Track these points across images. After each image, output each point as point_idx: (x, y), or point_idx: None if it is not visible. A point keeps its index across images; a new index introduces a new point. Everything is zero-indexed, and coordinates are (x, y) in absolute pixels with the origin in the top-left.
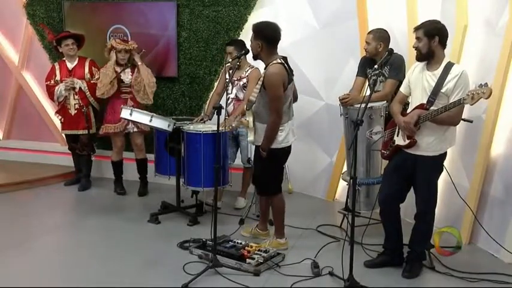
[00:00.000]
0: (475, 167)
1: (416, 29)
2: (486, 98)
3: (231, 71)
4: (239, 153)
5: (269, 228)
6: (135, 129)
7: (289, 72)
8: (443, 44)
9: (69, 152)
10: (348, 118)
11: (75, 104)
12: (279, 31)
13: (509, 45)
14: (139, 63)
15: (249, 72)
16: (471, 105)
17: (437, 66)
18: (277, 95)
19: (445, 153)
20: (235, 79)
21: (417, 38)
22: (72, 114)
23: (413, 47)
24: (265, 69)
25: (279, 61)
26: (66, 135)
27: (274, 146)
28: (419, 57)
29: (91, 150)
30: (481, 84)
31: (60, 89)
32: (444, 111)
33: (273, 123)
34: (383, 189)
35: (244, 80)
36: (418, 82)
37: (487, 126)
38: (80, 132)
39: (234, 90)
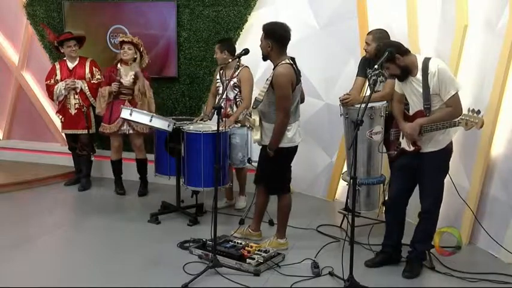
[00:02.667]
0: (475, 167)
1: (386, 61)
2: (479, 128)
3: (221, 71)
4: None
5: (261, 229)
6: (131, 131)
7: (297, 73)
8: (405, 53)
9: (69, 152)
10: (348, 118)
11: (75, 104)
12: (289, 31)
13: (509, 45)
14: (137, 70)
15: (238, 71)
16: (466, 130)
17: (416, 70)
18: (285, 95)
19: (451, 148)
20: (226, 79)
21: (387, 68)
22: (73, 113)
23: (392, 76)
24: (273, 69)
25: (288, 61)
26: (66, 134)
27: (281, 145)
28: (400, 78)
29: (91, 150)
30: (473, 110)
31: (59, 88)
32: (443, 127)
33: (281, 122)
34: (393, 188)
35: (235, 80)
36: (406, 87)
37: (487, 127)
38: (80, 132)
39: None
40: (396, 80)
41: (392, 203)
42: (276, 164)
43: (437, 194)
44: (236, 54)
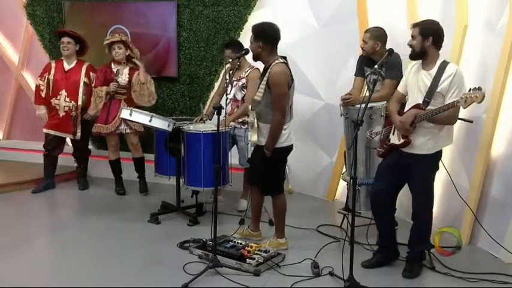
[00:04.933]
0: (475, 167)
1: (413, 26)
2: (479, 102)
3: (231, 72)
4: (236, 154)
5: (260, 229)
6: (128, 130)
7: (291, 72)
8: (437, 45)
9: (69, 152)
10: (348, 118)
11: (64, 107)
12: (278, 31)
13: (509, 45)
14: (139, 64)
15: (248, 72)
16: (464, 108)
17: (432, 65)
18: (283, 93)
19: (441, 151)
20: (235, 79)
21: (412, 36)
22: (60, 115)
23: (408, 45)
24: (266, 69)
25: (282, 60)
26: (49, 135)
27: (277, 145)
28: (413, 55)
29: (86, 154)
30: (475, 87)
31: (41, 113)
32: (439, 112)
33: (278, 121)
34: (375, 185)
35: (244, 81)
36: (414, 81)
37: (487, 127)
38: (64, 135)
39: (233, 91)
40: (402, 79)
41: (375, 204)
42: (272, 164)
43: (427, 194)
44: (233, 56)
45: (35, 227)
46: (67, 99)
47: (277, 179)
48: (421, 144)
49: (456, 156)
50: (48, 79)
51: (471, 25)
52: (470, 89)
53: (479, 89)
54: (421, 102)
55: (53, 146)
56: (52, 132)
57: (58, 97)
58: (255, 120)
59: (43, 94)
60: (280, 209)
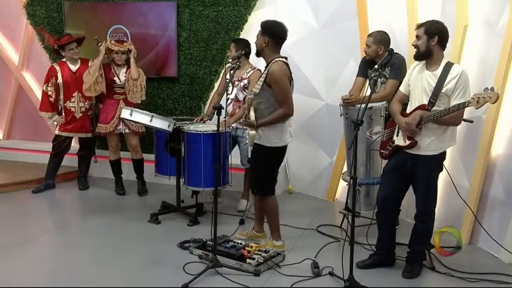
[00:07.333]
0: (475, 167)
1: (418, 27)
2: (493, 103)
3: (232, 71)
4: (237, 154)
5: (265, 230)
6: (127, 130)
7: (290, 72)
8: (442, 44)
9: (72, 152)
10: (348, 118)
11: (81, 108)
12: (286, 31)
13: (509, 45)
14: (132, 60)
15: (250, 73)
16: (476, 108)
17: (437, 66)
18: (285, 88)
19: (445, 152)
20: (236, 79)
21: (417, 36)
22: (78, 117)
23: (412, 45)
24: (266, 67)
25: (283, 60)
26: (61, 136)
27: (270, 144)
28: (417, 56)
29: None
30: (487, 88)
31: (56, 118)
32: (447, 113)
33: (284, 114)
34: (382, 189)
35: (245, 81)
36: (417, 82)
37: (487, 127)
38: (83, 135)
39: (234, 91)
40: (404, 80)
41: (382, 207)
42: (264, 164)
43: (431, 195)
44: (234, 52)
45: (35, 227)
46: (82, 99)
47: (268, 180)
48: (427, 145)
49: (456, 156)
50: (57, 84)
51: (471, 25)
52: (486, 89)
53: (492, 89)
54: (426, 103)
55: (64, 147)
56: (71, 134)
57: (72, 99)
58: (253, 115)
59: (52, 100)
60: (271, 211)
